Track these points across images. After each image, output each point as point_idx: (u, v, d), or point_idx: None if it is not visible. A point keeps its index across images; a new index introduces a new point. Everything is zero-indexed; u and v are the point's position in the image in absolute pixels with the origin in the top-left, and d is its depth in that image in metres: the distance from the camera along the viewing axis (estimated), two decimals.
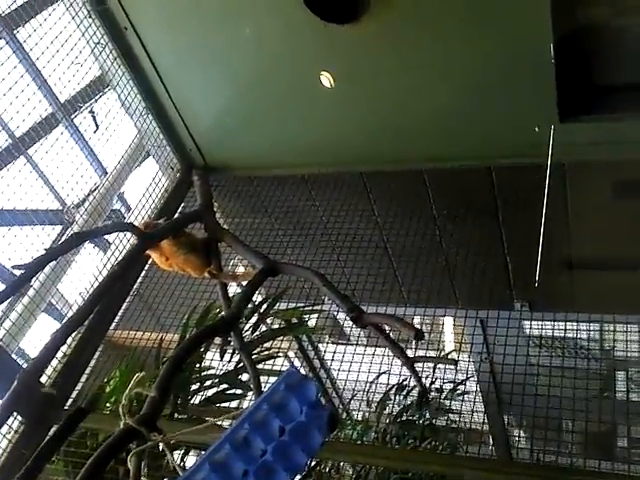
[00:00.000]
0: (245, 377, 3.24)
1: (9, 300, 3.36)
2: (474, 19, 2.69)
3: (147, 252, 2.59)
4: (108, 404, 2.87)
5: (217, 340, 3.16)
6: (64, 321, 2.31)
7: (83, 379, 2.96)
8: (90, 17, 2.89)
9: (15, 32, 3.68)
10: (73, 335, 2.94)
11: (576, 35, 2.78)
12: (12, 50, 3.71)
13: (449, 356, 4.54)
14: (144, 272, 3.46)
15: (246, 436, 1.48)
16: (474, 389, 4.93)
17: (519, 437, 5.41)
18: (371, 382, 3.90)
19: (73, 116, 4.60)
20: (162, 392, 1.64)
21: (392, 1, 2.67)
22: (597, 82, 2.91)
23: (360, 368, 3.42)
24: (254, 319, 3.31)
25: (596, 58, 2.86)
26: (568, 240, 3.64)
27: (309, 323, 4.11)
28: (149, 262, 3.10)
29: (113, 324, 3.38)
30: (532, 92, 2.82)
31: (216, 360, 3.23)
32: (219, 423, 1.88)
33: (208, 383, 3.16)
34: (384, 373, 3.60)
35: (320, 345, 5.26)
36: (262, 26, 2.93)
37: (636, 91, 2.87)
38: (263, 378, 3.20)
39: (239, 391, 3.24)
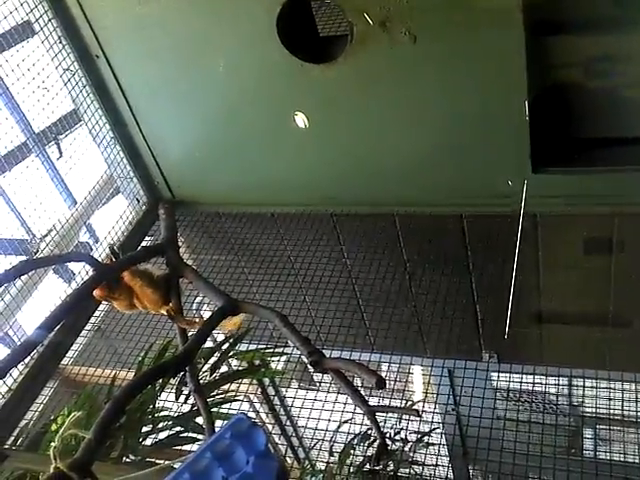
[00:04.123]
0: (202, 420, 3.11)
1: None
2: (451, 68, 2.69)
3: (103, 294, 2.50)
4: (53, 443, 2.71)
5: (174, 380, 3.05)
6: (8, 352, 2.18)
7: (30, 415, 2.82)
8: (60, 42, 2.84)
9: None
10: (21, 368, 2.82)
11: (554, 89, 2.80)
12: None
13: (415, 406, 4.44)
14: (106, 307, 3.35)
15: None
16: (440, 440, 4.83)
17: None
18: (335, 430, 3.78)
19: (47, 146, 4.54)
20: (99, 435, 1.53)
21: (368, 44, 2.66)
22: (574, 135, 2.92)
23: (324, 415, 3.31)
24: (214, 359, 3.20)
25: (572, 112, 2.88)
26: (538, 292, 3.61)
27: (275, 366, 4.00)
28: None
29: (71, 360, 3.25)
30: (506, 143, 2.82)
31: (171, 401, 3.10)
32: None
33: (161, 425, 3.02)
34: (347, 422, 3.48)
35: (286, 390, 5.13)
36: (237, 63, 2.91)
37: (610, 145, 2.89)
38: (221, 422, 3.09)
39: (194, 434, 3.09)
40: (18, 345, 2.10)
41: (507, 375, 4.26)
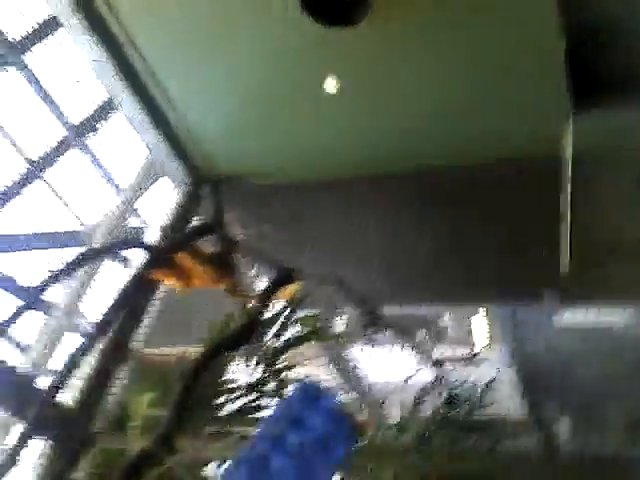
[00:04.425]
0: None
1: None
2: (481, 10, 2.61)
3: (160, 276, 2.57)
4: (133, 423, 2.82)
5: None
6: (81, 341, 2.28)
7: (107, 398, 2.93)
8: (87, 34, 2.85)
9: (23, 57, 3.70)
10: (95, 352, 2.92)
11: (590, 27, 2.71)
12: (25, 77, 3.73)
13: (482, 351, 4.45)
14: (165, 287, 3.42)
15: (265, 454, 1.42)
16: (509, 381, 4.84)
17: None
18: (403, 383, 3.83)
19: (86, 137, 4.64)
20: (177, 411, 1.59)
21: (393, 1, 2.60)
22: (614, 73, 2.83)
23: (388, 372, 3.36)
24: (276, 327, 3.25)
25: (611, 49, 2.78)
26: (597, 231, 3.52)
27: (336, 329, 4.05)
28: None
29: (140, 342, 3.35)
30: (544, 84, 2.76)
31: (240, 372, 3.18)
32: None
33: (234, 395, 3.10)
34: (412, 376, 3.53)
35: (349, 350, 5.19)
36: (263, 35, 2.89)
37: None
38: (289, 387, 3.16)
39: (268, 400, 3.17)
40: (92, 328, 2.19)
41: (571, 314, 4.21)
